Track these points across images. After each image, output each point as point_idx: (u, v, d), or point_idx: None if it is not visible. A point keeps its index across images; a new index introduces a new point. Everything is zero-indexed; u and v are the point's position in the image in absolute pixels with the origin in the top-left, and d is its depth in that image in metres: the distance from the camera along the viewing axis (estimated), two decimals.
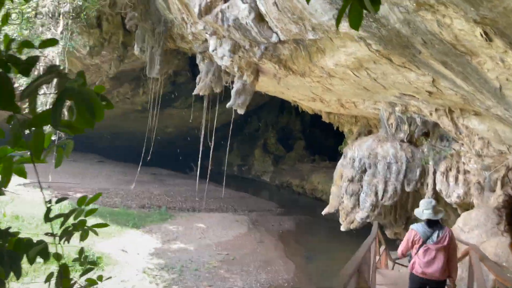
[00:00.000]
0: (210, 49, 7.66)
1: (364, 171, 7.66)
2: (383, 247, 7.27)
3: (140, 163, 17.80)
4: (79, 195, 18.68)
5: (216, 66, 10.01)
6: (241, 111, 8.66)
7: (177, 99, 28.39)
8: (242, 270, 11.04)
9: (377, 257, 6.59)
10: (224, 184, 16.20)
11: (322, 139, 30.36)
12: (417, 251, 4.91)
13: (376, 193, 7.46)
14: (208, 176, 14.96)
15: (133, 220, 13.39)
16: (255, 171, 30.45)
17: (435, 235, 4.84)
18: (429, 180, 7.29)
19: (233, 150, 35.12)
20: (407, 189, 7.34)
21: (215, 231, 14.12)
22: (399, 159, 7.21)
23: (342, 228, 8.08)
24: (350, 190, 7.89)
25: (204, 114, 15.54)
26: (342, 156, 8.40)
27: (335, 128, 12.75)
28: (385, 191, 7.34)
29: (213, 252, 12.03)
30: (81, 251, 2.11)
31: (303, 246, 15.11)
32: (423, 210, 4.98)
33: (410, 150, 7.39)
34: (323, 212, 8.70)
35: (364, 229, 12.60)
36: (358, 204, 7.70)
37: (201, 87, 9.82)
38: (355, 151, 7.84)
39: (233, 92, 8.32)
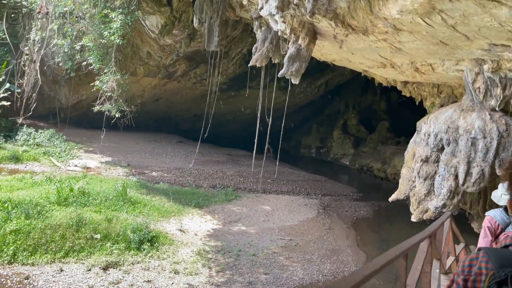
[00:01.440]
0: (258, 8, 6.73)
1: (441, 149, 6.13)
2: (461, 246, 5.75)
3: (199, 140, 17.49)
4: (154, 173, 19.17)
5: (274, 33, 9.02)
6: (295, 81, 7.61)
7: (252, 79, 27.82)
8: (304, 259, 10.12)
9: (451, 259, 5.18)
10: (277, 163, 15.22)
11: (410, 120, 27.76)
12: (495, 239, 4.07)
13: (456, 177, 5.91)
14: (264, 156, 14.08)
15: (197, 199, 13.13)
16: (334, 154, 28.95)
17: None
18: None
19: (312, 132, 33.93)
20: (499, 172, 5.71)
21: (280, 214, 13.33)
22: (488, 134, 5.57)
23: (413, 219, 6.69)
24: (424, 172, 6.42)
25: (261, 88, 14.59)
26: (416, 132, 6.92)
27: (417, 102, 11.06)
28: (468, 174, 5.77)
29: (275, 236, 11.27)
30: None
31: (379, 235, 13.69)
32: (502, 194, 3.94)
33: (504, 122, 5.68)
34: (390, 199, 7.35)
35: (462, 214, 10.84)
36: (433, 189, 6.27)
37: (257, 57, 8.92)
38: (430, 124, 6.31)
39: (285, 58, 7.30)
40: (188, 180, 18.38)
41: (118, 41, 12.00)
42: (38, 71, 19.60)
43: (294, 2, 6.05)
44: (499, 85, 5.38)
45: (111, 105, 13.15)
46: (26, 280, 7.57)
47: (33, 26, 19.17)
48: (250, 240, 10.71)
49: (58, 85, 24.46)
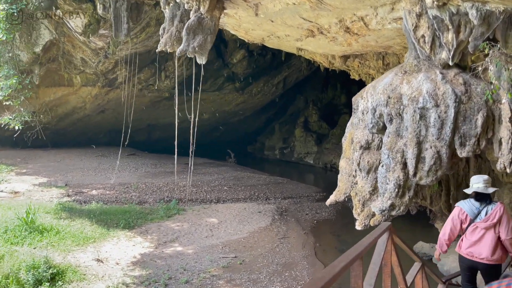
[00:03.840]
0: None
1: (383, 128, 4.57)
2: (416, 267, 4.20)
3: (120, 150, 15.64)
4: (94, 192, 17.12)
5: (183, 9, 7.36)
6: (200, 60, 5.99)
7: (204, 81, 26.04)
8: (249, 279, 8.44)
9: None
10: (191, 166, 13.47)
11: None
12: (465, 230, 4.29)
13: (405, 165, 4.33)
14: (191, 159, 12.39)
15: (128, 219, 11.25)
16: (298, 153, 27.57)
17: (483, 211, 4.15)
18: (503, 132, 4.01)
19: (275, 133, 32.61)
20: (462, 153, 4.16)
21: (227, 227, 11.63)
22: (442, 100, 4.03)
23: (358, 226, 5.12)
24: (366, 163, 4.81)
25: (176, 83, 12.99)
26: (352, 111, 5.34)
27: (367, 84, 9.60)
28: (419, 160, 4.19)
29: (216, 255, 9.55)
30: None
31: (341, 239, 12.20)
32: (472, 184, 4.13)
33: (462, 81, 4.15)
34: (328, 202, 5.75)
35: (423, 212, 9.42)
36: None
37: (166, 40, 7.22)
38: (367, 98, 4.73)
39: (184, 30, 5.66)
40: (132, 196, 16.47)
41: (1, 36, 10.01)
42: None
43: None
44: (450, 26, 3.87)
45: (11, 116, 11.13)
46: None
47: None
48: (185, 263, 8.94)
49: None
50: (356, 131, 5.06)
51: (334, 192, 5.51)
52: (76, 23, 16.48)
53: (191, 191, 18.13)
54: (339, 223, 13.77)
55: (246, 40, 8.59)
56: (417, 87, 4.20)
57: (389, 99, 4.36)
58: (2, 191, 16.58)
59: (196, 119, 10.86)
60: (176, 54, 5.94)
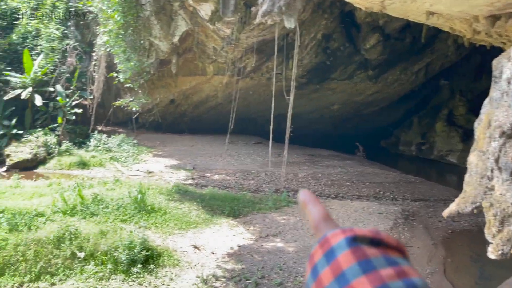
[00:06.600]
0: None
1: None
2: None
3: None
4: (216, 177, 17.57)
5: None
6: (289, 24, 4.91)
7: (334, 69, 24.57)
8: None
9: None
10: (285, 155, 12.01)
11: None
12: None
13: None
14: (286, 144, 11.15)
15: (235, 206, 10.86)
16: (438, 150, 24.21)
17: None
18: None
19: (412, 126, 29.43)
20: None
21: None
22: None
23: (491, 254, 3.47)
24: (509, 158, 3.11)
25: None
26: (492, 81, 3.54)
27: None
28: None
29: None
30: None
31: (481, 258, 9.83)
32: None
33: None
34: (445, 213, 4.06)
35: None
36: None
37: (265, 11, 6.35)
38: None
39: None
40: (249, 184, 16.42)
41: (119, 19, 10.39)
42: (105, 76, 19.40)
43: None
44: None
45: (131, 98, 11.68)
46: None
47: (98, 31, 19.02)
48: (283, 262, 8.06)
49: (134, 90, 24.47)
50: (496, 110, 3.38)
51: (457, 199, 3.89)
52: (206, 11, 16.91)
53: (309, 183, 17.24)
54: (482, 236, 11.22)
55: (363, 8, 7.18)
56: None
57: None
58: (138, 170, 18.16)
59: (291, 104, 9.78)
60: (259, 16, 5.02)
